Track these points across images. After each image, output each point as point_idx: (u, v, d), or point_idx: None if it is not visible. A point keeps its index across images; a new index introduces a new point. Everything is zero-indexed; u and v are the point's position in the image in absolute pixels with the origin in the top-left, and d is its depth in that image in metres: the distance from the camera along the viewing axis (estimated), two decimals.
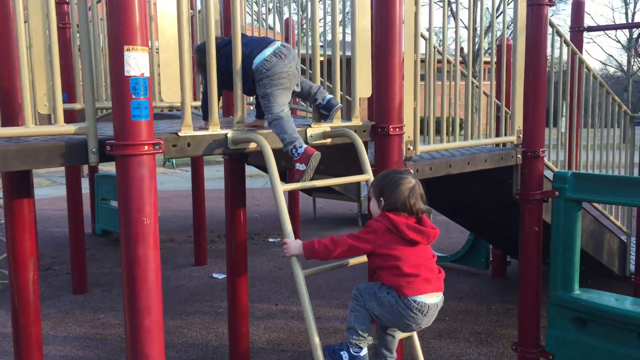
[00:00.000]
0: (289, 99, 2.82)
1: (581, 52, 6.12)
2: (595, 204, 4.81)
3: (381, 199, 2.47)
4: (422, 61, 3.29)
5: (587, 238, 4.60)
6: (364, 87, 2.98)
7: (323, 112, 2.98)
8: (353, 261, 2.70)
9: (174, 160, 14.82)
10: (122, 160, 2.22)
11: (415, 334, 2.79)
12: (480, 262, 6.11)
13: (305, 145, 2.64)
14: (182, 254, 7.17)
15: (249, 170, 11.78)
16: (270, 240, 7.83)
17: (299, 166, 2.60)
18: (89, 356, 4.31)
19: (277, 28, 5.52)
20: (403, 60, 3.00)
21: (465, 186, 4.37)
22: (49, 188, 12.78)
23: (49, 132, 2.26)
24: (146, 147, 2.22)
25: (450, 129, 3.59)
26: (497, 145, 4.02)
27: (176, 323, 4.94)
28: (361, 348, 2.49)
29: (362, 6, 2.92)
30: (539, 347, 3.96)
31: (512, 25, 3.77)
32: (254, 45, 2.76)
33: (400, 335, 2.69)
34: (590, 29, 6.27)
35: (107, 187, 7.78)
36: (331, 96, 2.97)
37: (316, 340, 2.39)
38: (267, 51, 2.72)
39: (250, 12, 19.42)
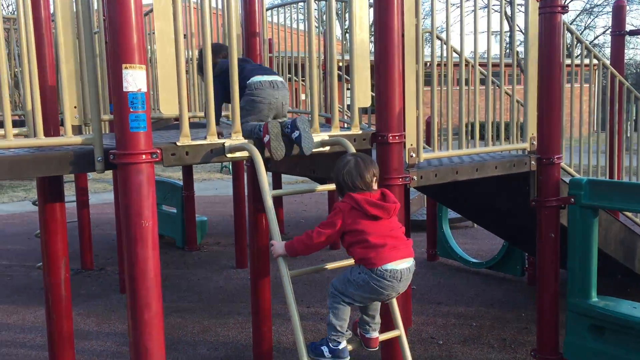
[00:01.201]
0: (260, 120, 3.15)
1: (623, 56, 6.01)
2: (626, 212, 4.71)
3: (338, 187, 2.74)
4: (438, 65, 3.37)
5: (616, 246, 4.51)
6: (362, 96, 3.10)
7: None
8: (335, 265, 2.84)
9: (230, 165, 15.23)
10: (122, 168, 2.43)
11: (404, 338, 2.86)
12: (515, 269, 6.05)
13: (264, 123, 2.93)
14: (225, 256, 7.44)
15: (291, 177, 12.03)
16: None
17: (265, 138, 2.85)
18: (127, 351, 4.58)
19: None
20: (404, 70, 3.09)
21: (487, 194, 4.40)
22: (112, 193, 13.40)
23: (58, 142, 2.50)
24: (144, 156, 2.43)
25: (455, 134, 3.65)
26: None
27: (211, 322, 5.17)
28: (340, 342, 2.66)
29: (360, 19, 3.04)
30: (557, 354, 3.94)
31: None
32: (259, 70, 3.16)
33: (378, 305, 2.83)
34: (632, 32, 6.11)
35: (157, 193, 8.15)
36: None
37: (300, 337, 2.53)
38: (265, 78, 3.10)
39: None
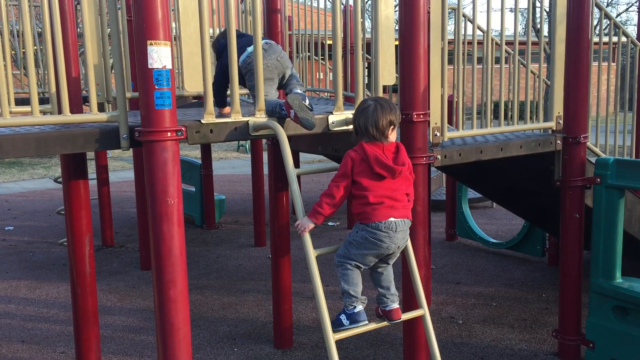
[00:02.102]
0: (273, 86, 3.17)
1: None
2: None
3: (354, 130, 2.77)
4: (469, 43, 3.29)
5: None
6: (387, 74, 3.06)
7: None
8: None
9: (247, 145, 15.24)
10: (147, 146, 2.43)
11: (428, 318, 2.85)
12: (535, 249, 6.02)
13: (284, 101, 2.91)
14: (244, 235, 7.48)
15: (308, 157, 12.00)
16: (330, 224, 8.00)
17: (291, 114, 2.83)
18: (150, 327, 4.64)
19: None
20: (429, 47, 3.05)
21: (511, 174, 4.35)
22: (130, 171, 13.49)
23: (84, 119, 2.50)
24: (169, 133, 2.42)
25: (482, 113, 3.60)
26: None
27: (231, 300, 5.21)
28: (355, 306, 2.69)
29: None
30: (579, 334, 3.92)
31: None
32: (241, 45, 3.06)
33: (388, 269, 2.84)
34: None
35: None
36: (296, 90, 3.22)
37: (325, 313, 2.54)
38: (249, 49, 3.05)
39: None
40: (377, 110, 2.67)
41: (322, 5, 4.15)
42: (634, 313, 3.60)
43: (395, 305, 2.79)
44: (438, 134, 3.19)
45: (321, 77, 7.36)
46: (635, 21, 29.14)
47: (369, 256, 2.69)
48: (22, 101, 5.27)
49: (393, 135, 2.74)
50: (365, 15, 3.26)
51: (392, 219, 2.64)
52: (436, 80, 3.13)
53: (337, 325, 2.68)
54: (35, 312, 5.02)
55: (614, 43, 4.30)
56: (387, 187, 2.65)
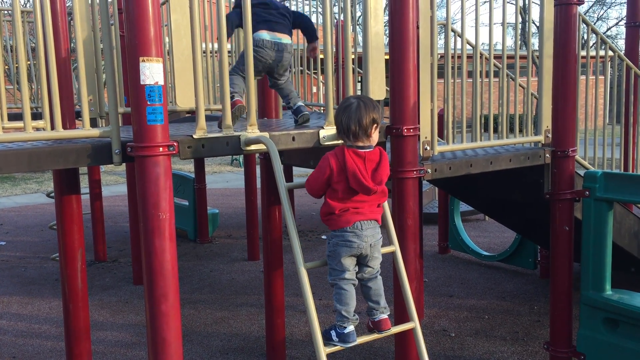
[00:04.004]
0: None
1: (637, 48, 5.95)
2: None
3: (336, 128, 2.81)
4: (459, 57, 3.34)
5: (630, 239, 4.50)
6: (377, 89, 3.09)
7: (294, 117, 3.47)
8: None
9: (240, 159, 15.27)
10: (139, 161, 2.45)
11: (419, 331, 2.86)
12: (527, 262, 6.05)
13: (237, 99, 3.13)
14: (237, 249, 7.47)
15: (302, 170, 12.02)
16: (323, 237, 8.02)
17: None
18: (142, 342, 4.63)
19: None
20: (418, 62, 3.09)
21: (501, 187, 4.39)
22: (123, 185, 13.48)
23: (76, 135, 2.52)
24: (161, 148, 2.44)
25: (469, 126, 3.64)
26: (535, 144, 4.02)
27: (223, 314, 5.20)
28: (345, 327, 2.68)
29: (375, 10, 3.03)
30: (570, 347, 3.93)
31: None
32: (267, 24, 3.39)
33: (377, 282, 2.82)
34: None
35: None
36: (301, 104, 3.36)
37: (316, 327, 2.55)
38: (270, 37, 3.34)
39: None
40: (360, 107, 2.66)
41: (313, 20, 4.19)
42: (624, 325, 3.63)
43: (384, 316, 2.80)
44: (428, 148, 3.22)
45: (314, 91, 7.40)
46: (624, 36, 29.43)
47: (346, 259, 2.70)
48: (15, 116, 5.29)
49: (376, 135, 2.72)
50: (357, 29, 3.32)
51: (357, 222, 2.66)
52: (426, 94, 3.17)
53: (327, 338, 2.69)
54: (26, 328, 4.99)
55: (601, 57, 4.36)
56: (357, 199, 2.67)
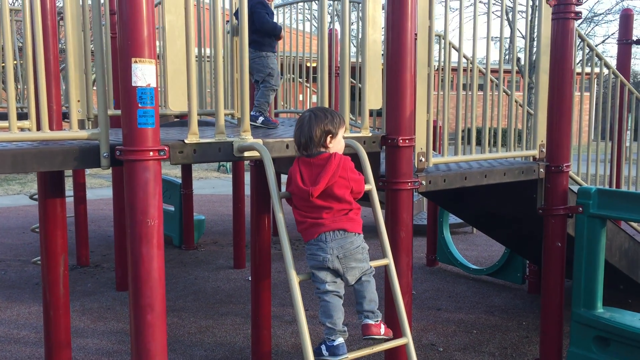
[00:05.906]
0: None
1: (629, 65, 5.98)
2: (632, 222, 4.68)
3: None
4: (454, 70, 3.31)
5: (620, 256, 4.47)
6: (374, 98, 3.04)
7: None
8: None
9: (227, 165, 15.17)
10: (129, 165, 2.37)
11: (412, 347, 2.80)
12: (516, 276, 6.01)
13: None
14: (223, 256, 7.37)
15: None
16: None
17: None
18: (124, 350, 4.51)
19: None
20: (415, 73, 3.04)
21: (493, 200, 4.35)
22: (109, 189, 13.32)
23: (63, 137, 2.44)
24: (151, 153, 2.36)
25: (466, 139, 3.60)
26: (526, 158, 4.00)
27: (208, 323, 5.10)
28: (334, 340, 2.62)
29: (373, 19, 2.98)
30: None
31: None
32: None
33: (363, 285, 2.74)
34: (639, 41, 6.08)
35: None
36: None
37: (307, 339, 2.48)
38: None
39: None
40: (311, 120, 2.61)
41: (306, 28, 4.14)
42: (615, 344, 3.59)
43: (369, 321, 2.72)
44: (423, 160, 3.17)
45: (314, 100, 7.36)
46: (611, 53, 29.80)
47: (318, 273, 2.65)
48: (0, 116, 5.17)
49: (336, 145, 2.66)
50: (351, 38, 3.28)
51: (322, 234, 2.60)
52: (422, 105, 3.13)
53: (317, 355, 2.62)
54: (4, 333, 4.86)
55: (596, 73, 4.35)
56: (308, 207, 2.62)
